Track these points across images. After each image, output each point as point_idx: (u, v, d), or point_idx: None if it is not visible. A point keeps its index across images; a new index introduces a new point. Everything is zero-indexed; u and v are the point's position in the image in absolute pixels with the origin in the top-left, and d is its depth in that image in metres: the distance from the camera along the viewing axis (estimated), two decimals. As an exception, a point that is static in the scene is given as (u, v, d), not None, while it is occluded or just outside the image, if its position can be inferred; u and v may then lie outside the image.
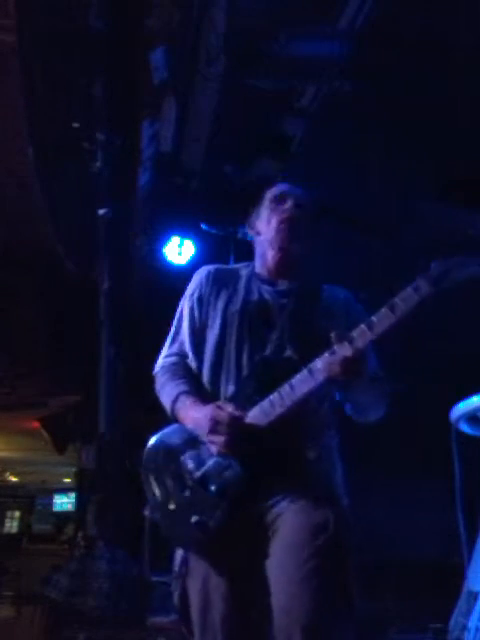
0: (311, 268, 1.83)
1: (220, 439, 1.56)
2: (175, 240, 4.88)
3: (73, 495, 13.61)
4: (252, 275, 1.83)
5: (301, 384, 1.53)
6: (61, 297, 6.79)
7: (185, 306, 1.84)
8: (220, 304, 1.78)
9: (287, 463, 1.58)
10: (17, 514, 17.61)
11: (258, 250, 1.84)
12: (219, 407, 1.58)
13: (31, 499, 17.95)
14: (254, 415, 1.58)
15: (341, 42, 2.79)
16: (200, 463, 1.59)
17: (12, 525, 17.41)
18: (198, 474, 1.58)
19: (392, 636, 3.54)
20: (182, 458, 1.62)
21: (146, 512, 1.67)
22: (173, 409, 1.72)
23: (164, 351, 1.87)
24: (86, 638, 4.04)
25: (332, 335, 1.49)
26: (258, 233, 1.83)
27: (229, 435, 1.55)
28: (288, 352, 1.65)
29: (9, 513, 17.54)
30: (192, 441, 1.63)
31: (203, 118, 3.42)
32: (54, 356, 7.87)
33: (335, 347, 1.48)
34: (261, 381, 1.63)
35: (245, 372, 1.67)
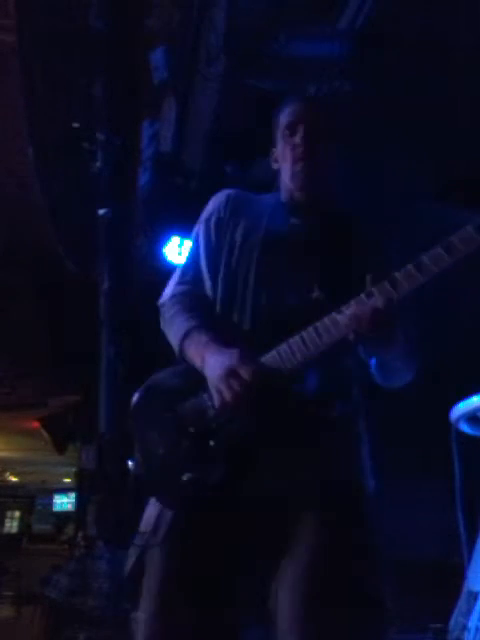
0: (344, 193, 1.64)
1: (230, 393, 1.31)
2: (175, 240, 4.87)
3: (73, 495, 13.62)
4: (278, 204, 1.59)
5: (327, 332, 1.30)
6: (61, 297, 6.80)
7: (200, 231, 1.61)
8: (239, 231, 1.55)
9: (304, 425, 1.34)
10: (17, 514, 17.61)
11: (282, 180, 1.60)
12: (243, 358, 1.33)
13: (31, 499, 17.95)
14: (269, 361, 1.34)
15: (341, 42, 2.79)
16: (201, 412, 1.38)
17: (12, 525, 17.41)
18: (197, 424, 1.37)
19: (392, 636, 3.53)
20: (180, 404, 1.41)
21: (131, 467, 1.48)
22: (182, 346, 1.47)
23: (174, 279, 1.62)
24: (86, 638, 4.04)
25: (368, 277, 1.27)
26: (276, 161, 1.61)
27: (243, 393, 1.31)
28: (316, 293, 1.41)
29: (9, 513, 17.54)
30: (194, 386, 1.41)
31: (203, 118, 3.42)
32: (54, 356, 7.88)
33: (370, 291, 1.26)
34: (282, 326, 1.37)
35: (264, 313, 1.43)
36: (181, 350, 1.48)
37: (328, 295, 1.39)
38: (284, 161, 1.56)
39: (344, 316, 1.27)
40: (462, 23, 2.58)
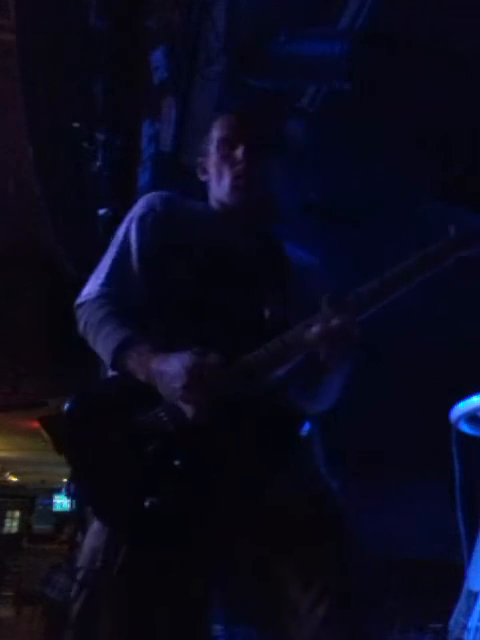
0: (277, 210, 1.55)
1: (200, 397, 1.19)
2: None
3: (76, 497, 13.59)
4: (212, 215, 1.52)
5: (294, 346, 1.23)
6: (61, 297, 6.79)
7: (133, 228, 1.46)
8: (179, 237, 1.43)
9: (279, 437, 1.27)
10: (17, 514, 17.59)
11: (212, 192, 1.53)
12: (201, 354, 1.21)
13: (31, 499, 17.92)
14: (237, 367, 1.22)
15: (341, 42, 2.78)
16: (159, 429, 1.22)
17: (12, 525, 17.39)
18: (157, 443, 1.22)
19: (392, 636, 3.54)
20: (130, 421, 1.24)
21: (68, 487, 1.28)
22: (117, 357, 1.30)
23: (97, 277, 1.44)
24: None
25: (323, 298, 1.22)
26: (205, 173, 1.55)
27: (211, 392, 1.20)
28: (267, 312, 1.33)
29: (9, 513, 17.52)
30: (142, 399, 1.26)
31: (203, 118, 3.41)
32: (54, 356, 7.87)
33: (325, 313, 1.21)
34: (235, 341, 1.27)
35: (215, 327, 1.32)
36: (116, 361, 1.31)
37: (276, 313, 1.34)
38: (219, 175, 1.50)
39: (311, 333, 1.21)
40: (462, 23, 2.58)
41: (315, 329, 1.21)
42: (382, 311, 1.26)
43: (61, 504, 17.03)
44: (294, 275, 1.45)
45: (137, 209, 1.50)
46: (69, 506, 15.70)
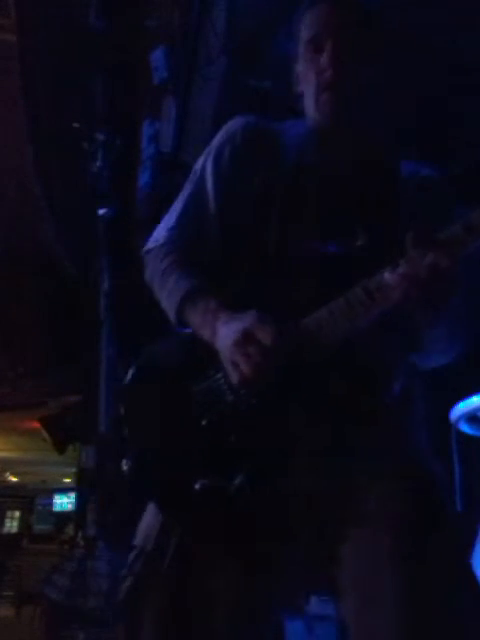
0: (378, 122, 1.36)
1: (248, 364, 1.02)
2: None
3: (73, 495, 13.60)
4: (304, 134, 1.27)
5: (377, 294, 1.00)
6: (61, 297, 6.79)
7: (209, 164, 1.28)
8: (262, 167, 1.23)
9: (353, 410, 1.05)
10: (17, 514, 17.58)
11: (306, 106, 1.26)
12: (260, 320, 1.03)
13: (31, 499, 17.92)
14: (303, 327, 1.04)
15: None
16: (216, 398, 1.08)
17: (12, 525, 17.38)
18: (212, 415, 1.07)
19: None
20: (187, 388, 1.10)
21: (123, 466, 1.12)
22: (181, 309, 1.15)
23: (169, 220, 1.28)
24: (86, 638, 4.03)
25: (408, 235, 0.98)
26: (299, 83, 1.28)
27: (265, 361, 1.02)
28: (360, 240, 1.11)
29: (9, 513, 17.51)
30: (204, 363, 1.11)
31: (203, 118, 3.42)
32: (54, 356, 7.88)
33: (412, 253, 0.97)
34: (321, 279, 1.08)
35: (298, 264, 1.13)
36: (180, 315, 1.16)
37: (374, 242, 1.10)
38: (308, 84, 1.24)
39: (396, 275, 0.98)
40: (462, 22, 2.58)
41: (399, 271, 0.97)
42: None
43: (61, 504, 17.04)
44: (404, 193, 1.20)
45: (216, 140, 1.30)
46: (69, 506, 15.71)
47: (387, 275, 0.99)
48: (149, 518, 1.14)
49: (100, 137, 4.45)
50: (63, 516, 16.04)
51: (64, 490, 16.70)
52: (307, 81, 1.24)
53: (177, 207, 1.29)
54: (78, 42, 4.14)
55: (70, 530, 12.72)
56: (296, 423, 1.04)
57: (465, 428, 2.53)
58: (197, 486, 1.02)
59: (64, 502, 16.81)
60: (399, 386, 1.14)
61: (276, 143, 1.26)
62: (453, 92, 2.80)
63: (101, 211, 4.78)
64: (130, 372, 1.18)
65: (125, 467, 1.12)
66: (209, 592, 1.06)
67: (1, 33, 4.50)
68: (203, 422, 1.07)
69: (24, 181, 5.58)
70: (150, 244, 1.29)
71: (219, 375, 1.08)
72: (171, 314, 1.18)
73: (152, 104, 4.10)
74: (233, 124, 1.30)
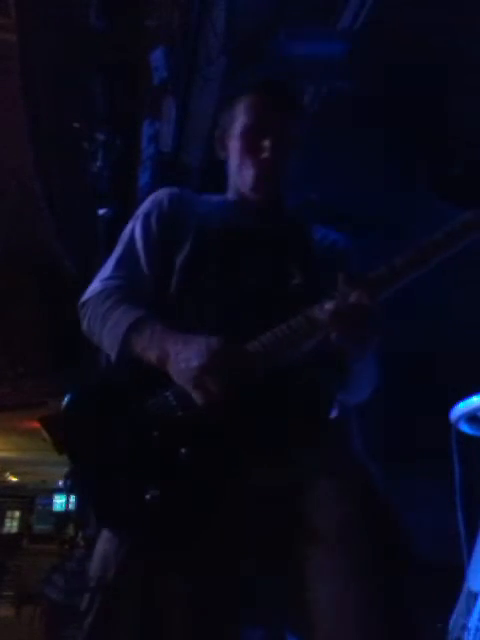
0: (296, 197, 1.47)
1: (217, 383, 1.09)
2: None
3: (75, 494, 13.60)
4: (228, 204, 1.42)
5: (307, 327, 1.13)
6: (61, 297, 6.80)
7: (137, 226, 1.39)
8: (191, 223, 1.34)
9: (301, 424, 1.16)
10: (17, 514, 17.60)
11: (231, 176, 1.42)
12: (225, 343, 1.11)
13: (31, 499, 17.93)
14: (254, 348, 1.13)
15: (341, 42, 2.78)
16: (165, 415, 1.12)
17: (12, 525, 17.40)
18: (163, 430, 1.11)
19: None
20: (133, 407, 1.14)
21: (65, 483, 1.18)
22: (127, 339, 1.19)
23: (102, 275, 1.37)
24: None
25: (340, 275, 1.12)
26: (224, 149, 1.42)
27: (219, 373, 1.09)
28: (296, 279, 1.23)
29: (9, 513, 17.53)
30: (148, 383, 1.16)
31: (203, 118, 3.42)
32: (54, 356, 7.88)
33: (341, 290, 1.10)
34: (259, 315, 1.17)
35: (237, 303, 1.21)
36: (125, 343, 1.20)
37: (308, 281, 1.24)
38: (241, 164, 1.37)
39: (325, 310, 1.10)
40: (462, 23, 2.58)
41: (327, 307, 1.10)
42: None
43: (61, 504, 17.04)
44: (321, 257, 1.34)
45: (143, 207, 1.43)
46: (69, 506, 15.73)
47: (317, 310, 1.11)
48: (104, 546, 1.17)
49: (100, 137, 4.45)
50: (63, 516, 16.05)
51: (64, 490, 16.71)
52: (241, 159, 1.36)
53: (110, 264, 1.37)
54: (78, 42, 4.14)
55: (70, 530, 12.73)
56: (247, 435, 1.12)
57: (465, 428, 2.53)
58: (148, 497, 1.05)
59: (64, 502, 16.82)
60: (336, 411, 1.26)
61: (201, 209, 1.38)
62: (453, 92, 2.80)
63: (101, 211, 4.78)
64: (68, 396, 1.23)
65: (67, 487, 1.20)
66: (173, 600, 1.07)
67: (1, 33, 4.51)
68: (154, 434, 1.11)
69: (24, 181, 5.59)
70: (86, 295, 1.35)
71: (167, 393, 1.14)
72: (114, 344, 1.22)
73: (152, 104, 4.10)
74: (159, 193, 1.43)
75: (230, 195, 1.44)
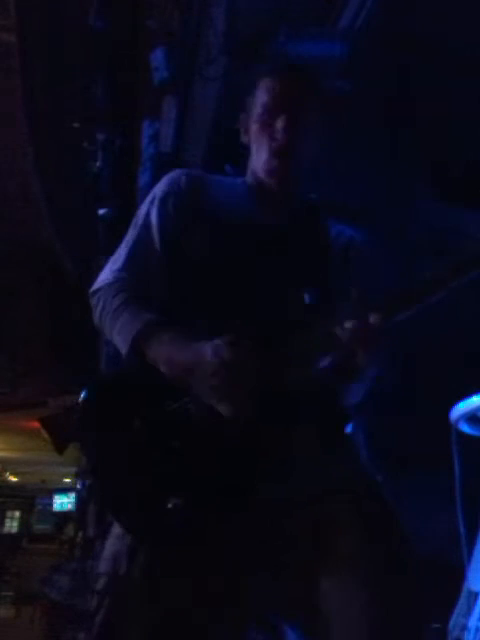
0: (317, 186, 1.45)
1: (239, 394, 1.08)
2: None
3: (73, 495, 13.61)
4: (245, 189, 1.38)
5: (331, 347, 1.12)
6: (61, 297, 6.80)
7: (153, 211, 1.34)
8: (207, 210, 1.30)
9: (319, 437, 1.17)
10: (17, 514, 17.59)
11: (251, 161, 1.38)
12: (235, 344, 1.09)
13: (31, 499, 17.93)
14: (286, 360, 1.13)
15: (341, 42, 2.78)
16: (185, 422, 1.11)
17: (12, 525, 17.39)
18: (183, 437, 1.10)
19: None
20: (152, 411, 1.13)
21: (78, 478, 1.14)
22: (136, 341, 1.17)
23: (114, 263, 1.33)
24: (86, 638, 4.03)
25: (352, 292, 1.13)
26: (246, 134, 1.38)
27: (243, 385, 1.08)
28: (306, 297, 1.20)
29: (9, 513, 17.52)
30: (162, 391, 1.14)
31: (203, 118, 3.42)
32: (54, 356, 7.88)
33: (357, 310, 1.11)
34: (268, 329, 1.14)
35: (255, 310, 1.18)
36: (134, 346, 1.18)
37: (321, 284, 1.22)
38: (258, 146, 1.34)
39: (345, 332, 1.10)
40: (462, 23, 2.58)
41: (348, 326, 1.09)
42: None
43: (61, 504, 17.04)
44: (334, 251, 1.32)
45: (159, 188, 1.37)
46: (69, 506, 15.73)
47: (338, 329, 1.10)
48: (114, 544, 1.15)
49: (100, 137, 4.45)
50: (63, 516, 16.05)
51: (64, 490, 16.71)
52: (258, 141, 1.34)
53: (123, 251, 1.33)
54: (78, 42, 4.14)
55: (70, 530, 12.74)
56: (264, 448, 1.11)
57: (465, 428, 2.53)
58: (169, 505, 1.05)
59: (64, 502, 16.82)
60: (351, 422, 1.28)
61: (217, 196, 1.33)
62: (453, 92, 2.80)
63: (101, 211, 4.78)
64: (85, 391, 1.18)
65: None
66: (183, 599, 1.08)
67: (1, 33, 4.51)
68: (175, 444, 1.10)
69: (24, 181, 5.59)
70: (97, 285, 1.32)
71: (185, 400, 1.12)
72: (124, 347, 1.20)
73: (152, 104, 4.10)
74: (175, 175, 1.37)
75: (248, 179, 1.40)
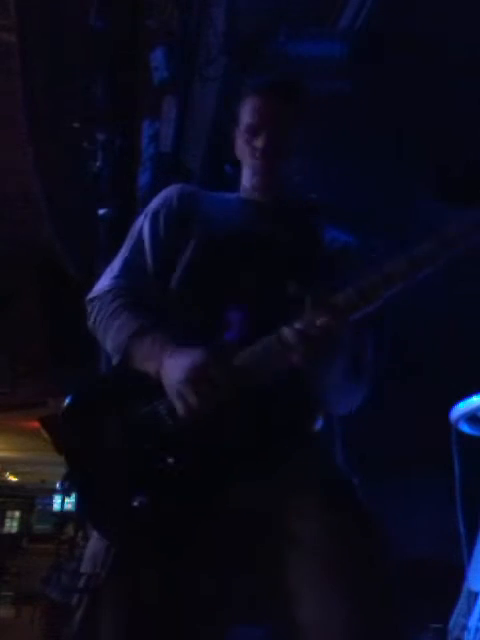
0: (304, 187, 1.46)
1: (196, 398, 1.12)
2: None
3: (73, 495, 13.61)
4: (237, 202, 1.43)
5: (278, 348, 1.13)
6: (61, 297, 6.80)
7: (146, 224, 1.40)
8: (198, 223, 1.35)
9: (282, 438, 1.19)
10: (17, 514, 17.59)
11: (243, 174, 1.43)
12: (216, 349, 1.15)
13: (31, 499, 17.92)
14: (243, 360, 1.15)
15: (341, 42, 2.78)
16: (155, 425, 1.16)
17: (12, 525, 17.39)
18: (152, 439, 1.15)
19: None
20: (127, 415, 1.18)
21: (62, 485, 1.22)
22: (128, 345, 1.23)
23: (110, 272, 1.39)
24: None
25: (307, 297, 1.12)
26: (238, 153, 1.43)
27: (213, 395, 1.13)
28: (294, 288, 1.18)
29: (9, 513, 17.52)
30: (144, 392, 1.19)
31: (203, 118, 3.42)
32: (54, 356, 7.88)
33: (309, 313, 1.11)
34: (260, 323, 1.17)
35: (237, 310, 1.23)
36: (126, 351, 1.24)
37: (306, 290, 1.20)
38: (243, 162, 1.41)
39: (292, 330, 1.11)
40: (462, 23, 2.58)
41: (292, 329, 1.11)
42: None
43: (61, 504, 17.04)
44: (323, 258, 1.34)
45: (153, 204, 1.43)
46: (68, 506, 15.72)
47: (285, 329, 1.11)
48: (93, 545, 1.21)
49: (100, 137, 4.45)
50: (63, 516, 16.04)
51: (64, 490, 16.71)
52: (242, 157, 1.40)
53: (118, 262, 1.40)
54: (78, 42, 4.14)
55: (70, 530, 12.73)
56: (231, 448, 1.16)
57: (465, 428, 2.53)
58: (135, 503, 1.10)
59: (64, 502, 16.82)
60: (321, 422, 1.28)
61: (209, 208, 1.39)
62: (453, 92, 2.80)
63: (101, 211, 4.78)
64: (68, 398, 1.25)
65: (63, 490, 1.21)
66: (158, 596, 1.11)
67: (1, 33, 4.51)
68: (144, 445, 1.15)
69: (24, 181, 5.59)
70: (94, 293, 1.38)
71: (159, 404, 1.17)
72: (117, 350, 1.27)
73: (152, 104, 4.10)
74: (169, 190, 1.44)
75: (240, 194, 1.46)
